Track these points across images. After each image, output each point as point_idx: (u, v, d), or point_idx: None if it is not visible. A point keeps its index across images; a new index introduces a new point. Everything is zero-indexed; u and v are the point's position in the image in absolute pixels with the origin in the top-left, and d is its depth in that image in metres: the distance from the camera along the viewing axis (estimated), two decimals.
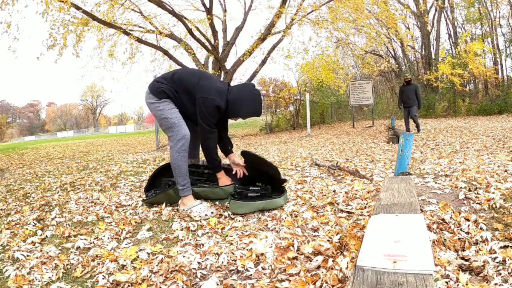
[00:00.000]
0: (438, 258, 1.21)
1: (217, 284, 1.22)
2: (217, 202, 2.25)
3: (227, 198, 2.17)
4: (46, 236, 1.81)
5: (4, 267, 1.44)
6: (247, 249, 1.48)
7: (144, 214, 2.09)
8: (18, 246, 1.67)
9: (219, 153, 2.23)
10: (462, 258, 1.25)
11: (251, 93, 2.09)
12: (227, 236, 1.69)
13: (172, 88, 2.10)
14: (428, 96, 14.80)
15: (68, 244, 1.67)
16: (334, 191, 2.41)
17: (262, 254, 1.42)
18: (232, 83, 7.04)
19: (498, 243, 1.32)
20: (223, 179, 2.22)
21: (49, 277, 1.34)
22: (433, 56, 16.01)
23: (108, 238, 1.73)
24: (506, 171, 2.70)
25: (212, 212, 2.01)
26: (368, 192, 2.28)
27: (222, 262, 1.39)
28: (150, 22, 8.75)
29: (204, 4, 9.20)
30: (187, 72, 2.19)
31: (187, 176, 2.10)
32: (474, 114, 13.84)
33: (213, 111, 2.03)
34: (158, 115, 2.10)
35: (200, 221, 1.92)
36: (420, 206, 1.73)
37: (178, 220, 1.97)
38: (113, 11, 8.27)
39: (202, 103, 2.01)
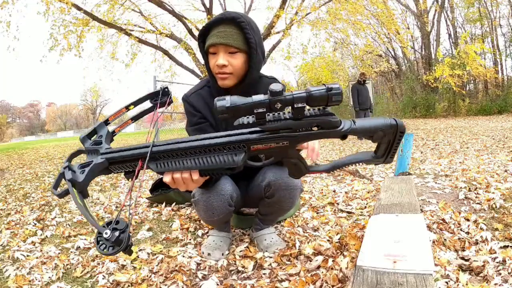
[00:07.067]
0: (438, 258, 1.21)
1: (217, 284, 1.22)
2: None
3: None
4: (46, 236, 1.82)
5: (4, 267, 1.44)
6: (247, 249, 1.48)
7: (144, 214, 2.09)
8: (18, 246, 1.67)
9: None
10: (462, 258, 1.25)
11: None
12: None
13: None
14: (428, 96, 14.77)
15: (68, 244, 1.67)
16: (334, 191, 2.41)
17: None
18: None
19: (498, 243, 1.32)
20: None
21: (49, 277, 1.34)
22: (433, 56, 16.00)
23: None
24: (506, 171, 2.70)
25: None
26: (368, 192, 2.28)
27: (222, 262, 1.39)
28: (150, 22, 8.74)
29: (204, 4, 9.19)
30: None
31: None
32: (474, 114, 13.82)
33: (187, 111, 1.43)
34: None
35: (200, 221, 1.92)
36: (420, 206, 1.73)
37: (178, 220, 1.97)
38: (113, 11, 8.27)
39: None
